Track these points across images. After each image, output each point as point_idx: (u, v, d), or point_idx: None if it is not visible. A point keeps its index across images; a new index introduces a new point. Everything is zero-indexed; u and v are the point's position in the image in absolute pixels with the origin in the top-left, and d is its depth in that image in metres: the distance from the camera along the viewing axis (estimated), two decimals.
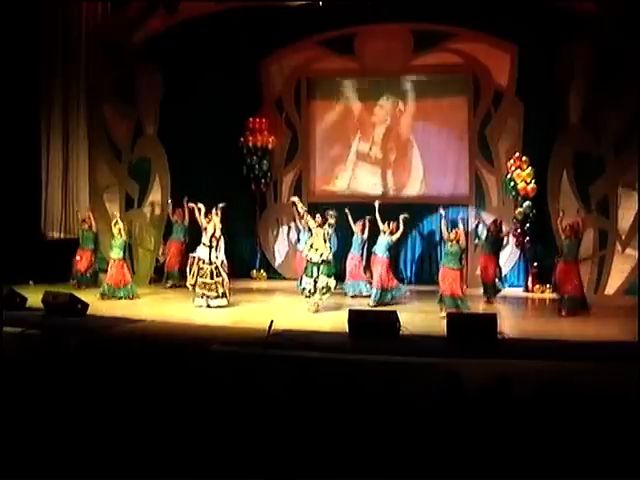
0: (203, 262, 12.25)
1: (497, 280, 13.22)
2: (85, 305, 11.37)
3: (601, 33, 13.12)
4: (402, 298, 12.82)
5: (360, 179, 16.23)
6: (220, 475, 4.59)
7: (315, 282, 11.86)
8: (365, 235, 13.79)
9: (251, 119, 15.91)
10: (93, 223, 14.64)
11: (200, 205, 13.05)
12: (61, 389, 5.66)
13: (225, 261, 12.50)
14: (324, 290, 11.87)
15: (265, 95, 16.31)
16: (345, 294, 13.59)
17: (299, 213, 12.97)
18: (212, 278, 12.24)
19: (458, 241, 11.65)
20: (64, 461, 4.75)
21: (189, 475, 4.65)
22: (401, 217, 12.88)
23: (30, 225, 15.07)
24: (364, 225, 13.76)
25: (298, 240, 14.86)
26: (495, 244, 13.26)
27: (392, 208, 14.99)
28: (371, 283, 13.25)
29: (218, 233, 12.39)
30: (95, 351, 6.97)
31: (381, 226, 12.87)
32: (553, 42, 13.74)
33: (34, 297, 11.96)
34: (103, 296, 13.15)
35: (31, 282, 14.05)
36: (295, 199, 12.84)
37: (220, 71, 15.65)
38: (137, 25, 15.23)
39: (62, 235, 15.60)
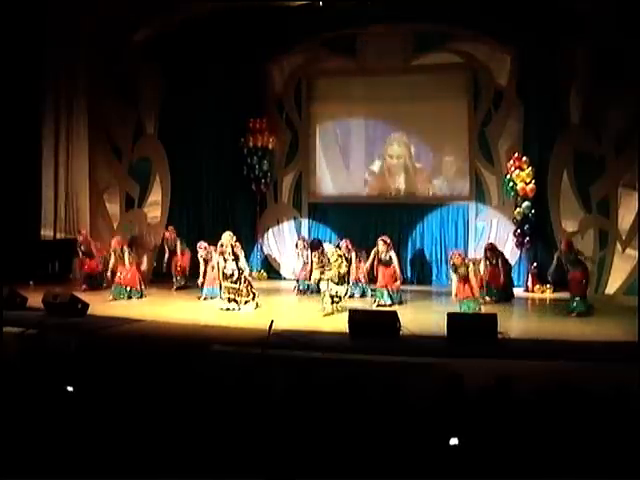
0: (232, 270, 12.25)
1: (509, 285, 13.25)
2: (85, 305, 11.39)
3: (601, 33, 13.12)
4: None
5: (359, 180, 16.20)
6: (220, 475, 4.58)
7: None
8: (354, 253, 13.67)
9: (252, 119, 15.89)
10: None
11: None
12: (61, 389, 5.66)
13: (246, 267, 12.56)
14: (337, 299, 11.85)
15: (266, 95, 16.30)
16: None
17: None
18: (241, 283, 12.24)
19: (463, 263, 11.64)
20: (64, 461, 4.75)
21: (189, 475, 4.65)
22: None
23: (30, 225, 15.08)
24: (351, 243, 13.60)
25: (304, 246, 14.69)
26: (494, 262, 13.22)
27: (393, 209, 15.07)
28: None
29: (237, 249, 12.43)
30: (95, 351, 6.96)
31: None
32: (553, 42, 13.75)
33: (34, 297, 11.98)
34: (116, 298, 13.17)
35: (31, 282, 14.05)
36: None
37: (220, 71, 15.66)
38: (137, 25, 15.25)
39: (62, 235, 15.61)
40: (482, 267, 12.75)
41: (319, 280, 12.08)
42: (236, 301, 12.20)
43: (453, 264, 11.67)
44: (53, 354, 6.73)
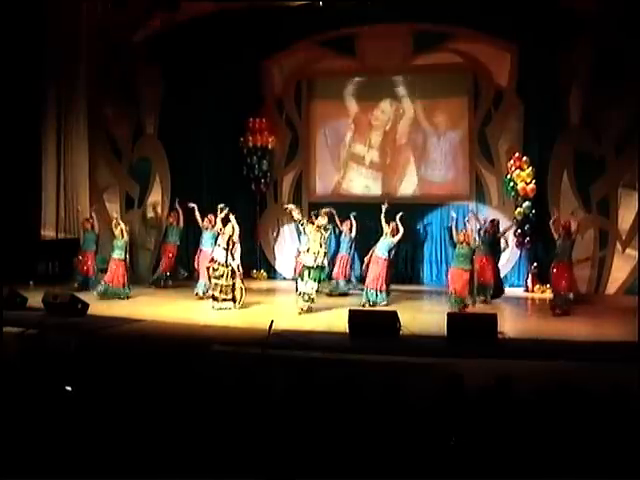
0: (219, 264, 12.21)
1: (497, 282, 13.22)
2: (85, 305, 11.38)
3: (601, 33, 13.12)
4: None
5: (360, 179, 16.22)
6: (220, 475, 4.58)
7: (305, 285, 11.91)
8: (353, 234, 13.79)
9: (251, 119, 15.90)
10: (96, 224, 14.52)
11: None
12: (61, 389, 5.66)
13: (240, 265, 12.49)
14: (308, 297, 11.86)
15: (265, 95, 16.30)
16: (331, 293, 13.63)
17: (295, 220, 12.95)
18: (226, 280, 12.20)
19: (468, 243, 11.67)
20: (64, 461, 4.75)
21: (189, 475, 4.65)
22: (398, 216, 12.90)
23: (30, 225, 15.07)
24: (351, 224, 13.77)
25: (299, 241, 14.77)
26: (493, 245, 13.23)
27: (392, 208, 15.04)
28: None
29: (236, 237, 12.38)
30: (95, 351, 6.96)
31: (384, 228, 12.83)
32: (553, 42, 13.75)
33: (34, 297, 11.97)
34: (102, 296, 13.15)
35: (31, 282, 14.04)
36: (291, 206, 12.74)
37: (220, 71, 15.65)
38: (137, 25, 15.25)
39: (62, 235, 15.60)
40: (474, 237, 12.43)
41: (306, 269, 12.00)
42: (225, 299, 12.14)
43: (460, 240, 11.67)
44: (53, 354, 6.73)
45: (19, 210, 14.47)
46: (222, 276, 12.15)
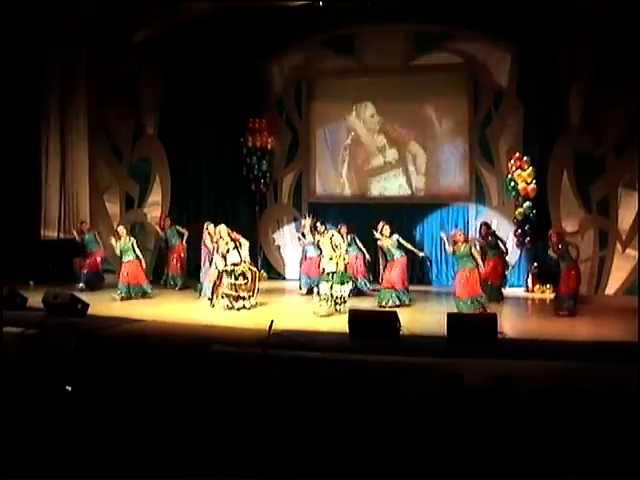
0: (234, 264, 12.18)
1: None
2: (85, 305, 11.38)
3: (601, 33, 13.13)
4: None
5: (360, 180, 16.22)
6: (220, 475, 4.59)
7: (331, 288, 11.85)
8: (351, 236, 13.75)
9: (251, 119, 15.89)
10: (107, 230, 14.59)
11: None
12: (61, 389, 5.66)
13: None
14: (340, 300, 11.80)
15: (265, 95, 16.30)
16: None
17: (304, 235, 13.32)
18: (244, 278, 12.17)
19: (465, 240, 11.60)
20: (64, 461, 4.75)
21: (189, 475, 4.65)
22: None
23: (30, 225, 15.08)
24: (348, 228, 13.67)
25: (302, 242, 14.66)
26: (494, 246, 13.19)
27: (392, 208, 15.07)
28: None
29: (234, 234, 12.35)
30: (95, 351, 6.97)
31: (376, 234, 12.73)
32: (553, 42, 13.75)
33: (34, 297, 11.98)
34: (123, 298, 13.18)
35: (31, 282, 14.05)
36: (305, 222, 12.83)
37: (221, 71, 15.66)
38: (138, 25, 15.26)
39: (62, 235, 15.62)
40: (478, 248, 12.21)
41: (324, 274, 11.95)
42: (243, 297, 12.11)
43: (454, 241, 11.60)
44: (53, 354, 6.73)
45: (19, 210, 14.48)
46: (242, 274, 12.14)
